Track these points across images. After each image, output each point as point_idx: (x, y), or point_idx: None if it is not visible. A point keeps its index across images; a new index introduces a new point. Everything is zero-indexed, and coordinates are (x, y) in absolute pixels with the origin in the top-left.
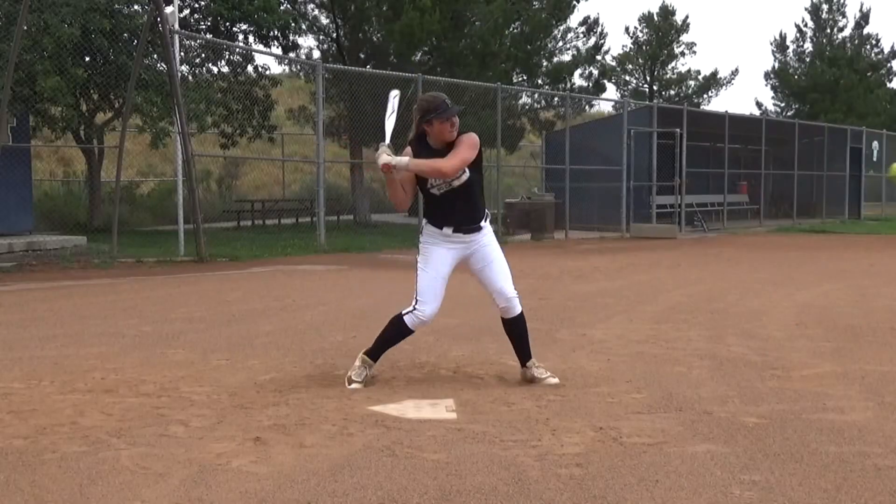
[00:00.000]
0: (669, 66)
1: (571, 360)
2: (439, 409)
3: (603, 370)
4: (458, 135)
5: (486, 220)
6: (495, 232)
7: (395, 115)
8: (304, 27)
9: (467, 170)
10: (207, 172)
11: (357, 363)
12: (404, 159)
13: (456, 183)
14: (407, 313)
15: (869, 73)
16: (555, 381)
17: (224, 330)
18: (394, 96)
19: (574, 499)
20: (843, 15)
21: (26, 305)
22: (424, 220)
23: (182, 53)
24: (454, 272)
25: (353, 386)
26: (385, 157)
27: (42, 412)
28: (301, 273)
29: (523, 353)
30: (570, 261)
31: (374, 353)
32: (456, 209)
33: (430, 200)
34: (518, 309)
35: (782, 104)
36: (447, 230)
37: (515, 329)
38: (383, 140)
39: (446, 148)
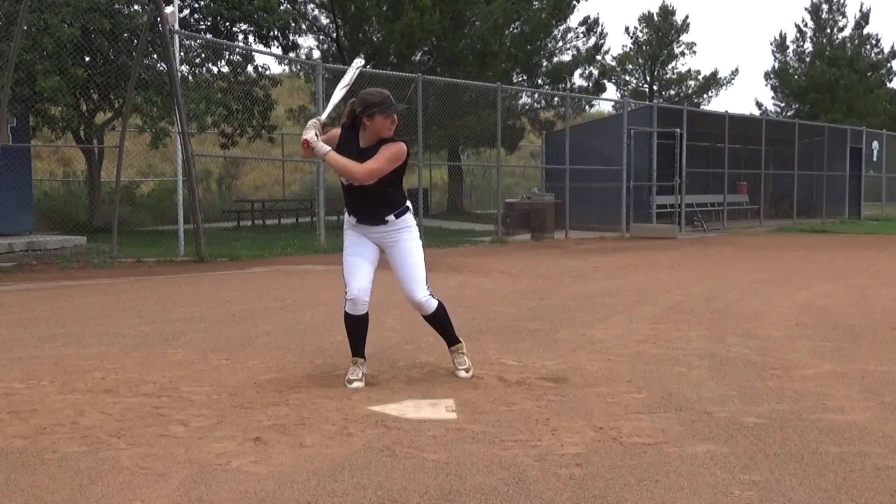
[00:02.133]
0: (669, 66)
1: (571, 360)
2: (439, 409)
3: (603, 370)
4: (391, 141)
5: (398, 216)
6: (494, 232)
7: (348, 88)
8: (304, 27)
9: None
10: (207, 172)
11: (350, 366)
12: (325, 148)
13: (364, 183)
14: (345, 304)
15: (869, 73)
16: (465, 375)
17: (224, 330)
18: (356, 67)
19: (574, 499)
20: (843, 15)
21: (26, 305)
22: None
23: (182, 53)
24: (449, 271)
25: (354, 385)
26: (311, 133)
27: (42, 412)
28: (301, 273)
29: (447, 339)
30: (570, 261)
31: (355, 352)
32: (359, 203)
33: (342, 187)
34: (431, 308)
35: (782, 104)
36: (352, 219)
37: (433, 322)
38: (322, 111)
39: (375, 145)
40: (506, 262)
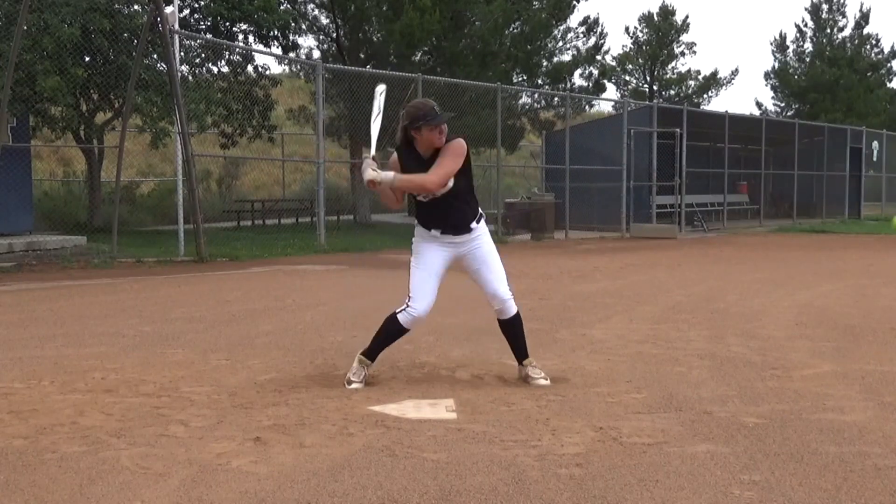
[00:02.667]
0: (669, 66)
1: (571, 360)
2: (439, 409)
3: (603, 370)
4: (446, 140)
5: (478, 222)
6: (494, 232)
7: (381, 115)
8: (304, 27)
9: (453, 178)
10: (207, 172)
11: (355, 364)
12: (389, 174)
13: (440, 192)
14: (400, 311)
15: (869, 73)
16: (545, 382)
17: (224, 330)
18: (380, 93)
19: (574, 499)
20: (843, 15)
21: (26, 305)
22: (416, 221)
23: (182, 53)
24: (451, 272)
25: (353, 386)
26: (370, 172)
27: (42, 412)
28: (301, 273)
29: (519, 352)
30: (570, 261)
31: (371, 353)
32: (442, 215)
33: (419, 205)
34: (513, 311)
35: (782, 104)
36: (435, 232)
37: (511, 329)
38: (369, 148)
39: (434, 154)
40: (506, 262)
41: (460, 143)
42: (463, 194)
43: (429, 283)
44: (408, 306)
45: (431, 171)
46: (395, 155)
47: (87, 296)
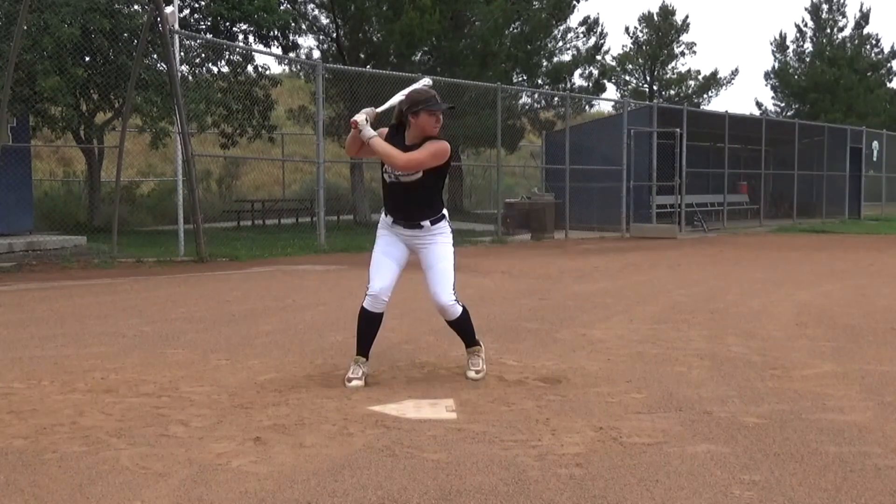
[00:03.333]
0: (669, 66)
1: (571, 360)
2: (439, 409)
3: (603, 370)
4: (436, 138)
5: (433, 223)
6: (494, 232)
7: (407, 93)
8: (304, 27)
9: (423, 172)
10: (207, 172)
11: (351, 365)
12: (371, 131)
13: (405, 179)
14: (364, 299)
15: (869, 73)
16: (474, 376)
17: (224, 330)
18: (423, 83)
19: (574, 499)
20: (843, 15)
21: (26, 305)
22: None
23: (182, 53)
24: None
25: (353, 384)
26: (362, 116)
27: (42, 412)
28: (301, 273)
29: (466, 341)
30: (570, 261)
31: (360, 351)
32: (399, 202)
33: (383, 185)
34: (455, 314)
35: (782, 104)
36: (388, 218)
37: (455, 326)
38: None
39: (419, 144)
40: (506, 262)
41: (445, 146)
42: (426, 190)
43: (384, 265)
44: (367, 290)
45: (407, 153)
46: (385, 129)
47: (87, 296)
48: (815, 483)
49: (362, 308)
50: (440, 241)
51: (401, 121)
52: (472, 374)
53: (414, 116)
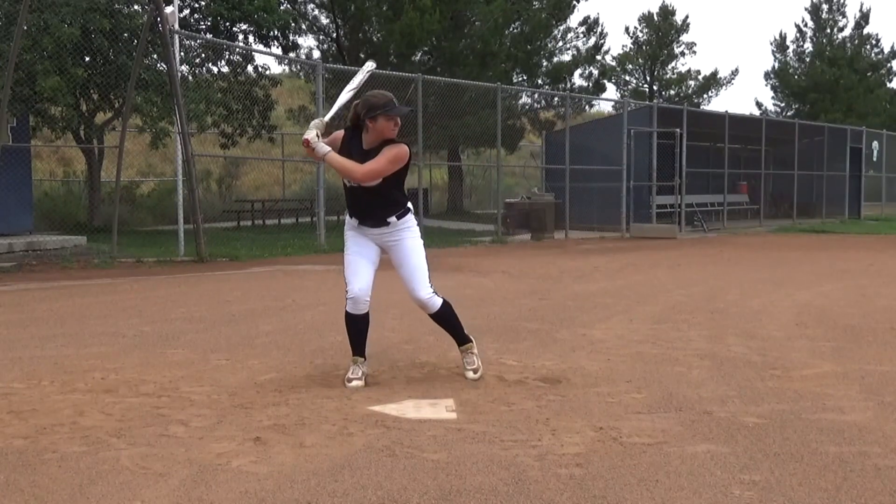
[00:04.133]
0: (669, 66)
1: (571, 360)
2: (439, 409)
3: (603, 370)
4: (393, 142)
5: (399, 217)
6: (494, 231)
7: (356, 91)
8: (304, 27)
9: (382, 178)
10: (207, 172)
11: (350, 365)
12: (325, 148)
13: (366, 184)
14: (346, 304)
15: (869, 73)
16: (472, 376)
17: (224, 330)
18: (366, 70)
19: (574, 499)
20: (843, 15)
21: (26, 305)
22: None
23: (182, 53)
24: (448, 272)
25: (353, 384)
26: (312, 133)
27: (42, 412)
28: (301, 273)
29: (457, 339)
30: (570, 261)
31: (355, 351)
32: (363, 205)
33: (346, 192)
34: (435, 307)
35: (782, 104)
36: (353, 221)
37: (440, 321)
38: (326, 113)
39: (377, 148)
40: (506, 262)
41: (403, 151)
42: (386, 191)
43: (359, 266)
44: (346, 294)
45: (365, 165)
46: (341, 132)
47: (87, 296)
48: (815, 483)
49: (346, 313)
50: (408, 237)
51: (356, 123)
52: (470, 374)
53: (372, 121)
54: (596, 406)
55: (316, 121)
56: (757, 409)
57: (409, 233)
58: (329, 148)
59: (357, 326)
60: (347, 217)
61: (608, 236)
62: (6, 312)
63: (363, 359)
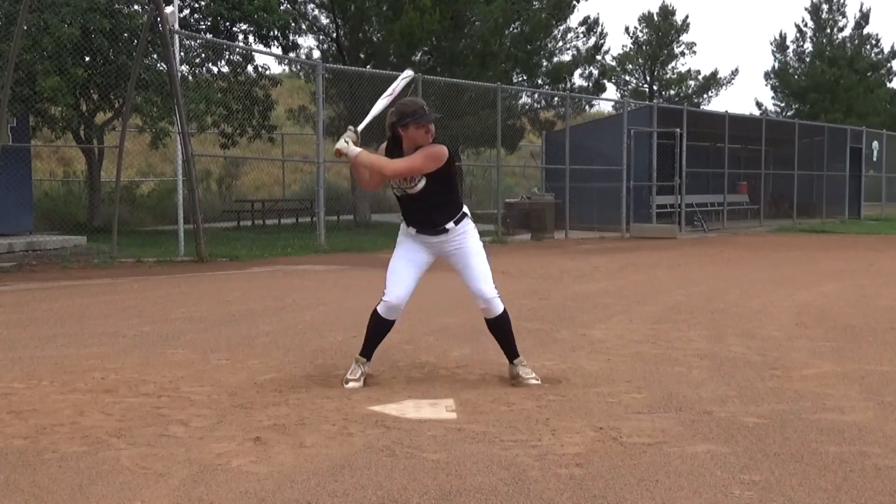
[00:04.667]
0: (669, 66)
1: (571, 360)
2: (439, 409)
3: (603, 370)
4: (433, 143)
5: (456, 223)
6: (494, 231)
7: (392, 97)
8: (304, 27)
9: (424, 179)
10: (207, 172)
11: (352, 364)
12: (356, 150)
13: (410, 190)
14: (379, 304)
15: (869, 73)
16: (535, 382)
17: (224, 330)
18: (403, 77)
19: (574, 499)
20: (843, 15)
21: (26, 305)
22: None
23: (182, 53)
24: (443, 272)
25: (351, 385)
26: (342, 141)
27: (42, 412)
28: (301, 273)
29: (509, 351)
30: (570, 261)
31: (364, 351)
32: (414, 212)
33: (399, 201)
34: (498, 310)
35: (782, 104)
36: (411, 229)
37: (497, 329)
38: (362, 121)
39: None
40: (506, 262)
41: (440, 150)
42: (436, 196)
43: (403, 273)
44: (383, 295)
45: (396, 160)
46: (385, 144)
47: (87, 296)
48: (815, 483)
49: (376, 312)
50: (468, 239)
51: (394, 133)
52: (532, 380)
53: (403, 129)
54: (596, 406)
55: (349, 131)
56: (757, 409)
57: (468, 236)
58: (360, 149)
59: (380, 330)
60: (403, 225)
61: (608, 236)
62: (6, 312)
63: (367, 360)
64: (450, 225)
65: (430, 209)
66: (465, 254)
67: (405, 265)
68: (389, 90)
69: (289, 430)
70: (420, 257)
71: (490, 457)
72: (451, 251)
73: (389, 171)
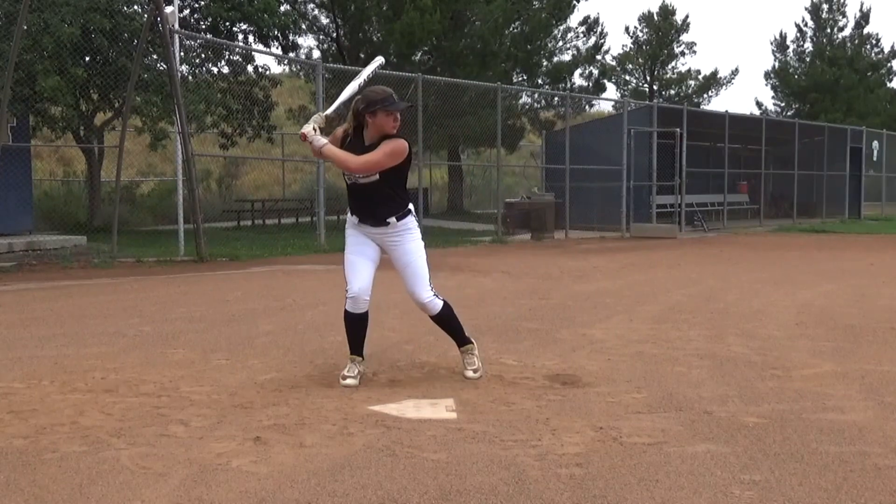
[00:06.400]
0: (669, 66)
1: (571, 360)
2: (439, 409)
3: (603, 370)
4: (394, 137)
5: (399, 218)
6: (494, 231)
7: (361, 84)
8: (304, 27)
9: (379, 174)
10: (207, 172)
11: (347, 363)
12: (321, 140)
13: (362, 180)
14: (346, 302)
15: (869, 73)
16: (472, 375)
17: (224, 330)
18: (375, 64)
19: (574, 499)
20: (843, 15)
21: (26, 305)
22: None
23: (182, 53)
24: (446, 272)
25: (347, 382)
26: (309, 127)
27: (42, 412)
28: (301, 273)
29: (457, 340)
30: (570, 261)
31: (353, 350)
32: (362, 203)
33: (347, 189)
34: (436, 309)
35: (782, 104)
36: (354, 218)
37: (441, 323)
38: (323, 109)
39: (377, 143)
40: (506, 261)
41: (402, 145)
42: (384, 190)
43: (359, 266)
44: (346, 293)
45: (361, 156)
46: (341, 129)
47: (87, 296)
48: (815, 483)
49: (346, 311)
50: (409, 238)
51: (359, 120)
52: (469, 373)
53: (371, 116)
54: (596, 406)
55: (316, 115)
56: (757, 409)
57: (409, 235)
58: (326, 140)
59: (356, 325)
60: (349, 214)
61: (608, 236)
62: (6, 312)
63: (361, 358)
64: (391, 219)
65: (377, 202)
66: (404, 252)
67: (358, 258)
68: (360, 76)
69: (289, 430)
70: (368, 249)
71: (490, 457)
72: (391, 245)
73: (354, 166)
